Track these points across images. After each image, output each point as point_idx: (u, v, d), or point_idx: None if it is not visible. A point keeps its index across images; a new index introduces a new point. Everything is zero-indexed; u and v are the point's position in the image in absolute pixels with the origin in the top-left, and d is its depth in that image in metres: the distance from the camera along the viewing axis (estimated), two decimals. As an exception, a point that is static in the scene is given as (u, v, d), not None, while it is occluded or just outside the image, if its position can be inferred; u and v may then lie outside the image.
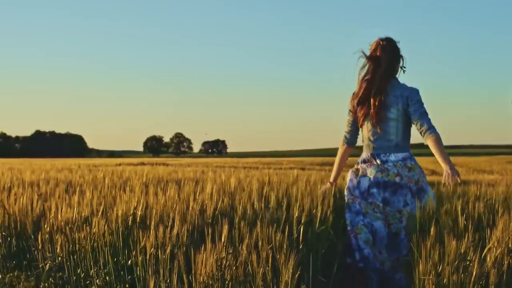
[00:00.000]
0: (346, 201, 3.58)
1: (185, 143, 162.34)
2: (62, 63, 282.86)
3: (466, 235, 2.77)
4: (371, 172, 3.56)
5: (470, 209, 3.58)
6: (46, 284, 3.68)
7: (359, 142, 3.88)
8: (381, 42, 3.62)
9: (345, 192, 3.62)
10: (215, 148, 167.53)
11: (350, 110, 3.75)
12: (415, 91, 3.57)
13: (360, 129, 3.75)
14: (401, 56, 3.66)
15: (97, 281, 3.52)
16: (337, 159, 3.90)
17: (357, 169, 3.66)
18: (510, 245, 2.75)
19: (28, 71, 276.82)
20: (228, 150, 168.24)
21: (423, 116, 3.52)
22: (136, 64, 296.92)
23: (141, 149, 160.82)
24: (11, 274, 3.94)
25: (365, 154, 3.68)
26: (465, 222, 3.27)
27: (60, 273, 3.70)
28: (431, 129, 3.48)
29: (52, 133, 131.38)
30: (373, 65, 3.59)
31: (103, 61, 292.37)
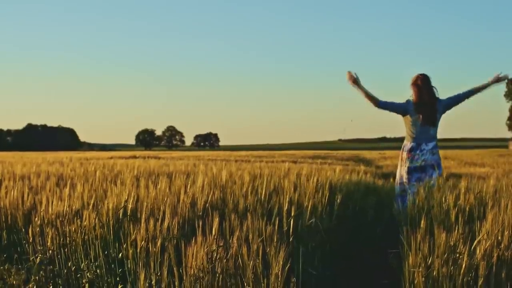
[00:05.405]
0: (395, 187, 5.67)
1: (177, 136, 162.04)
2: (55, 57, 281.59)
3: (456, 228, 2.78)
4: (407, 163, 5.47)
5: (461, 202, 3.59)
6: (37, 277, 3.67)
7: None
8: (419, 76, 5.52)
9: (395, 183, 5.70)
10: (207, 141, 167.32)
11: (402, 103, 5.54)
12: (444, 99, 5.50)
13: (409, 126, 5.52)
14: (433, 86, 5.51)
15: (88, 274, 3.51)
16: (368, 92, 5.50)
17: (401, 159, 5.58)
18: (499, 238, 2.76)
19: (19, 64, 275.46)
20: (220, 143, 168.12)
21: (459, 94, 5.53)
22: (129, 58, 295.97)
23: (133, 142, 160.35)
24: (1, 267, 3.92)
25: (410, 143, 5.54)
26: (456, 215, 3.28)
27: (51, 266, 3.69)
28: (468, 90, 5.54)
29: (44, 127, 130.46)
30: (416, 88, 5.49)
31: (95, 55, 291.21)
